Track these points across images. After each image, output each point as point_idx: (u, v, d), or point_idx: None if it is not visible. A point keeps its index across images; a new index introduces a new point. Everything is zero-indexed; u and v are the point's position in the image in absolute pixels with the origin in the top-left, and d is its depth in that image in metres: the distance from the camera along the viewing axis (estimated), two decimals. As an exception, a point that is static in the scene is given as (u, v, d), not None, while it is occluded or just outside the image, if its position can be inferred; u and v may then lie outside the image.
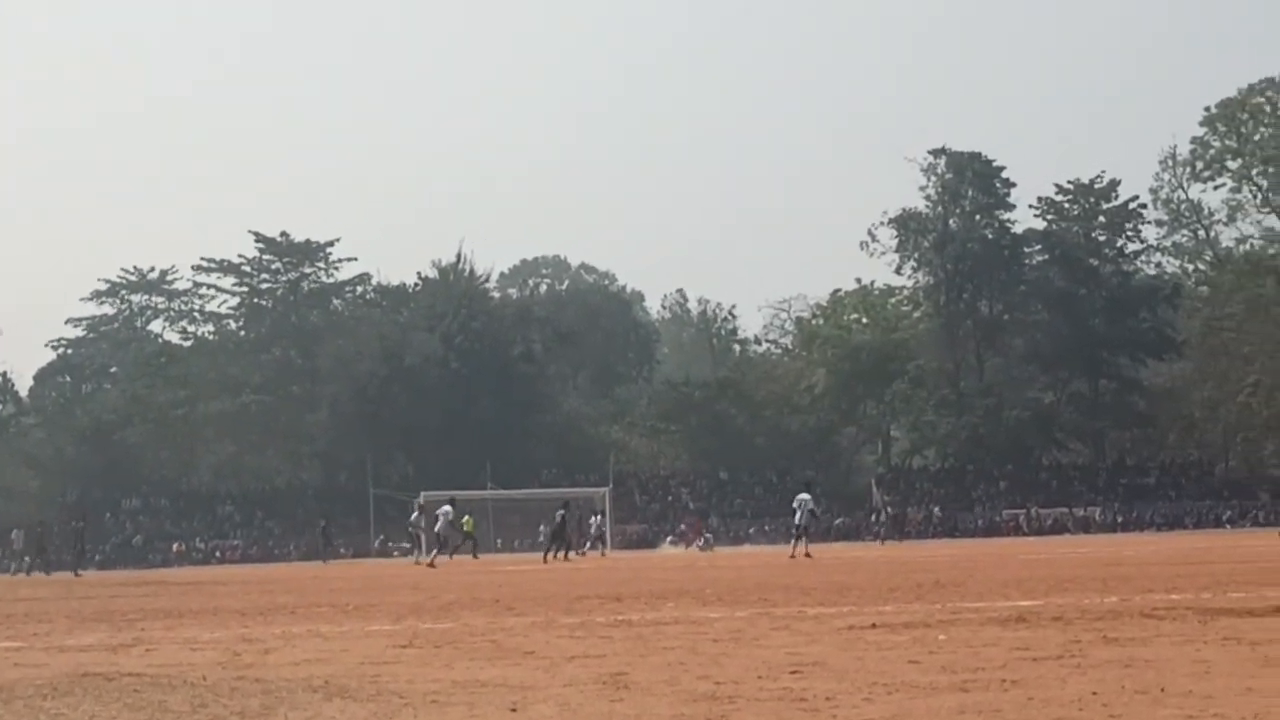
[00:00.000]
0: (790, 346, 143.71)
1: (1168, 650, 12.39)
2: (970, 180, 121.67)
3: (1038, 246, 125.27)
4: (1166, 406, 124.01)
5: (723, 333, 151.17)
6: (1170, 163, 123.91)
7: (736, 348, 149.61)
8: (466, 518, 67.74)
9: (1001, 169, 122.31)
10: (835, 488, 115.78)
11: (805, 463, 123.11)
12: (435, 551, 59.28)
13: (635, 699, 9.91)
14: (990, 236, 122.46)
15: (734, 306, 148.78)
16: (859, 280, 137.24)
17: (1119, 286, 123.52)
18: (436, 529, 59.67)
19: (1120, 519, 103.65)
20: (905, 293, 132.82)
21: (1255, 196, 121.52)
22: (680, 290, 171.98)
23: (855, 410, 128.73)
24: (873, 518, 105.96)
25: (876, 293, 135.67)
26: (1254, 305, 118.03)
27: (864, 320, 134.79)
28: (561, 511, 60.64)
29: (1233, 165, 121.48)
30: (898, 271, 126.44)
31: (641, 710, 9.35)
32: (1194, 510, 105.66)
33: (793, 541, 51.11)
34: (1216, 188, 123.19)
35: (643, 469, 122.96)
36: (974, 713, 8.95)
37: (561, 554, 59.17)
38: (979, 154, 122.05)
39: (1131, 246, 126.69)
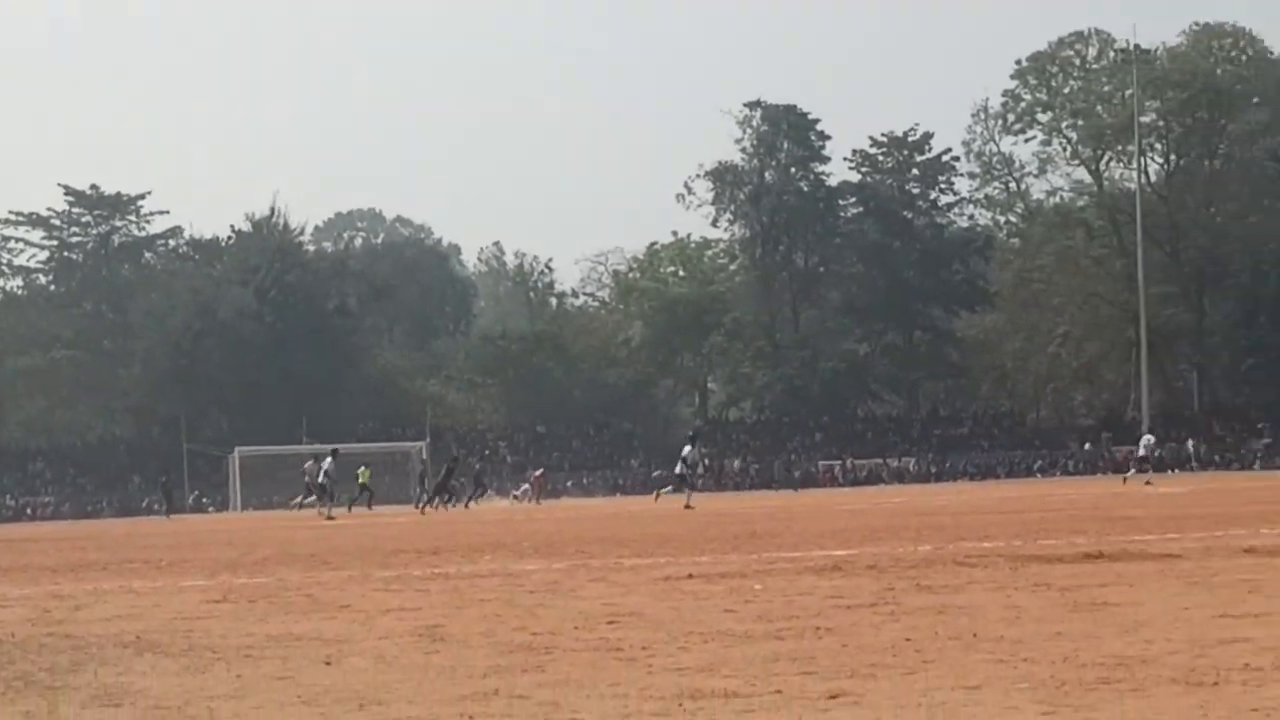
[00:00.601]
0: (607, 300, 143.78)
1: (980, 597, 12.53)
2: (785, 133, 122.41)
3: (852, 199, 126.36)
4: (979, 357, 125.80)
5: (539, 286, 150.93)
6: (982, 115, 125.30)
7: (554, 301, 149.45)
8: (362, 469, 67.18)
9: (816, 122, 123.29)
10: (653, 440, 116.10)
11: (623, 415, 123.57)
12: (322, 503, 58.68)
13: (451, 650, 9.84)
14: (806, 189, 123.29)
15: (550, 260, 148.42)
16: (675, 233, 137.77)
17: (932, 239, 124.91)
18: (319, 480, 59.19)
19: (934, 469, 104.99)
20: (721, 245, 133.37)
21: (1065, 149, 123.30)
22: (497, 243, 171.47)
23: (672, 363, 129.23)
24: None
25: (693, 246, 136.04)
26: (1064, 257, 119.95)
27: (681, 273, 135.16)
28: (449, 464, 60.72)
29: (1043, 118, 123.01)
30: (714, 224, 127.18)
31: (457, 661, 9.29)
32: (1006, 460, 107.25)
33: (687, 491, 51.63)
34: (1027, 140, 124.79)
35: (460, 423, 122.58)
36: (789, 660, 8.98)
37: (441, 504, 59.49)
38: (794, 107, 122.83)
39: (944, 199, 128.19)
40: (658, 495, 55.57)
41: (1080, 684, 7.88)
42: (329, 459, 59.48)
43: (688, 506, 47.90)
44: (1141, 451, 64.90)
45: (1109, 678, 8.05)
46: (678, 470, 54.14)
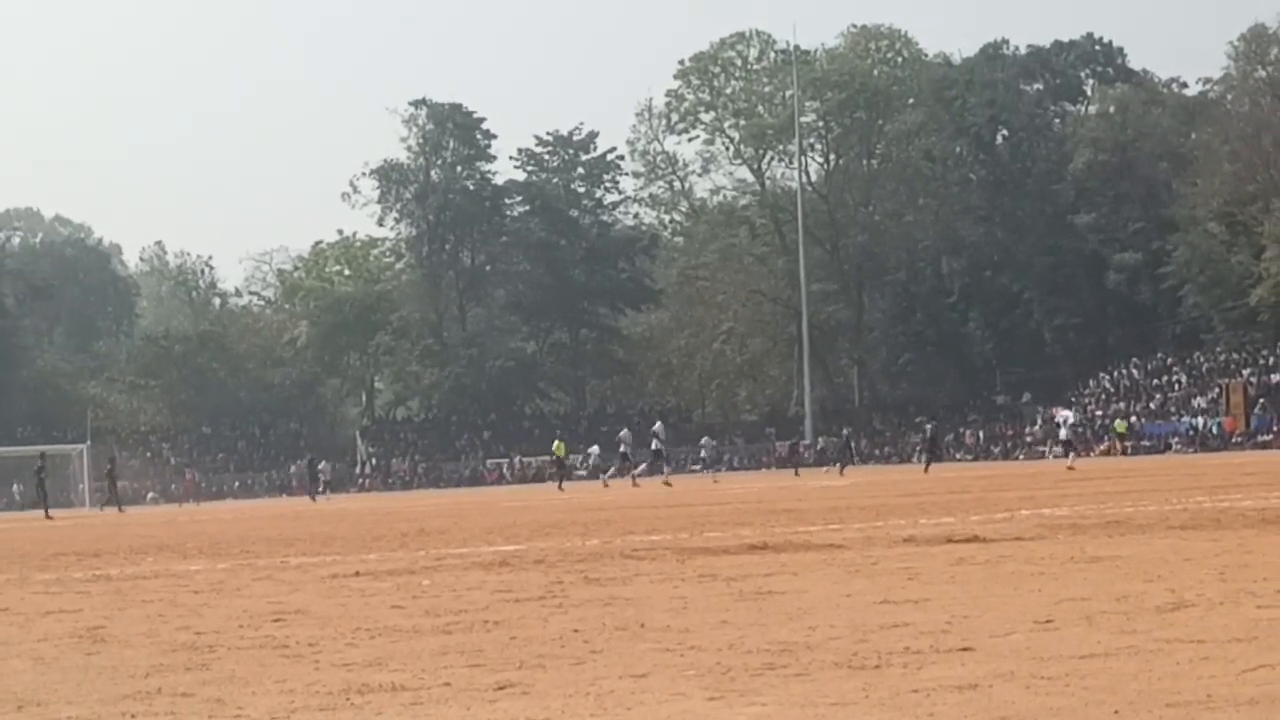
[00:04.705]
0: (273, 299, 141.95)
1: (647, 588, 12.62)
2: (451, 131, 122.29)
3: (519, 198, 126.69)
4: (645, 354, 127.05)
5: (202, 285, 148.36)
6: (646, 115, 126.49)
7: (217, 301, 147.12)
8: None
9: (482, 120, 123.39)
10: (320, 440, 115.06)
11: (290, 415, 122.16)
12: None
13: (113, 651, 9.62)
14: (472, 188, 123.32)
15: (211, 258, 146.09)
16: (341, 232, 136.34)
17: (598, 237, 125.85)
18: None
19: (605, 464, 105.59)
20: (388, 244, 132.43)
21: (728, 149, 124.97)
22: (159, 242, 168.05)
23: (339, 362, 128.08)
24: (356, 469, 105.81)
25: (359, 244, 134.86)
26: (728, 255, 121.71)
27: (346, 272, 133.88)
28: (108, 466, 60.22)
29: (706, 118, 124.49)
30: (380, 223, 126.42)
31: (119, 662, 9.08)
32: (673, 456, 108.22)
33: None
34: (691, 140, 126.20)
35: (122, 425, 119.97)
36: (457, 653, 8.94)
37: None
38: (460, 105, 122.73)
39: (610, 197, 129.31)
40: (634, 480, 56.95)
41: (746, 670, 7.97)
42: (39, 462, 58.96)
43: (666, 483, 50.35)
44: (1064, 434, 66.22)
45: (774, 663, 8.15)
46: (653, 446, 58.77)
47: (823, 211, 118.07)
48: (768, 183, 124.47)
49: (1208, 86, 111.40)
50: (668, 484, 54.75)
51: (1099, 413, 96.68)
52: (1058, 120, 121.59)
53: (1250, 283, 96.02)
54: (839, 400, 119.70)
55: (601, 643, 9.23)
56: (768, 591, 11.91)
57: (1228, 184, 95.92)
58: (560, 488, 62.40)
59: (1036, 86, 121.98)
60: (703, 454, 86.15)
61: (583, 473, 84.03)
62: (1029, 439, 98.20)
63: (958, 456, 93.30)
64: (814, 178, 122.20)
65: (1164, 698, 6.71)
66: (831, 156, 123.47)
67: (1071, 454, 62.48)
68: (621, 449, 61.49)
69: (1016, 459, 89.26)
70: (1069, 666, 7.66)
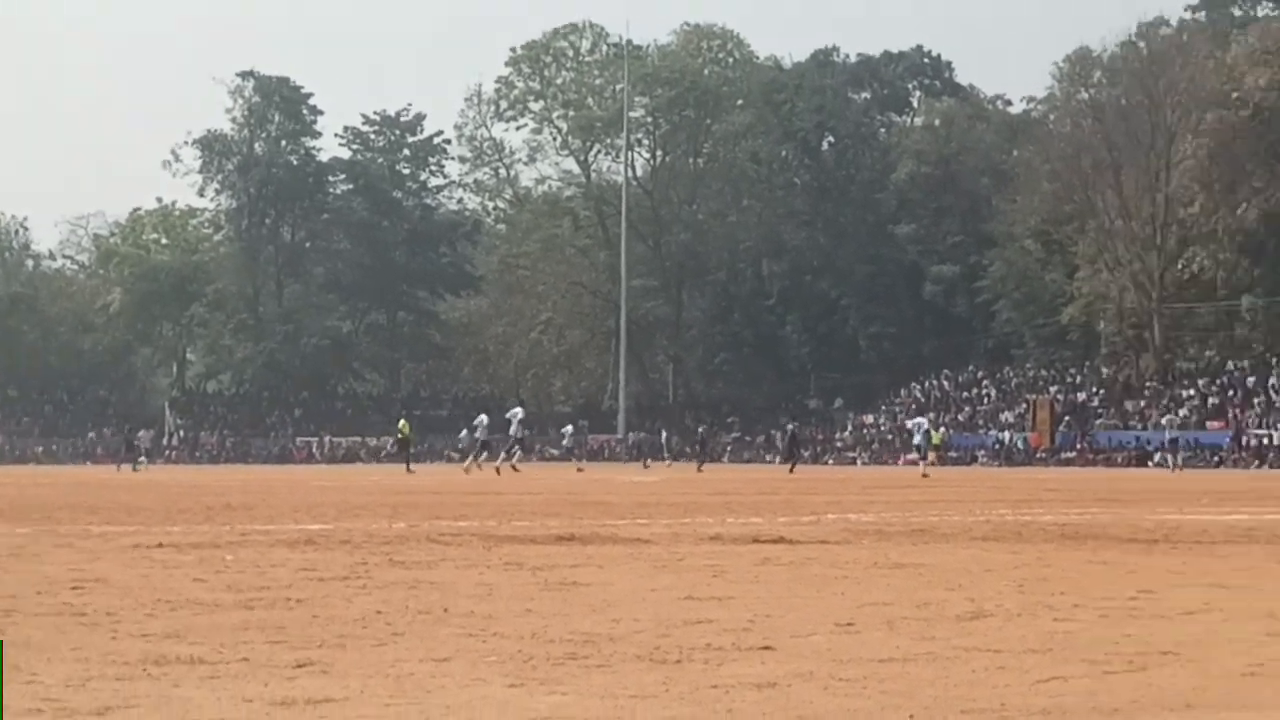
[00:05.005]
0: (87, 264, 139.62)
1: (453, 573, 12.60)
2: (277, 105, 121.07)
3: (342, 175, 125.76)
4: (462, 340, 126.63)
5: (15, 247, 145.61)
6: (475, 100, 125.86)
7: (30, 262, 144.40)
8: None
9: (309, 96, 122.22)
10: (129, 409, 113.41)
11: (99, 382, 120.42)
12: None
13: (-99, 616, 9.42)
14: (295, 163, 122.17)
15: (27, 219, 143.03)
16: (160, 200, 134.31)
17: (421, 220, 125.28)
18: None
19: (414, 449, 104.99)
20: (207, 215, 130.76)
21: (555, 139, 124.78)
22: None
23: (152, 331, 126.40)
24: (164, 440, 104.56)
25: (178, 214, 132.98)
26: (550, 245, 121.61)
27: (164, 241, 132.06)
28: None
29: (535, 106, 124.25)
30: (200, 193, 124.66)
31: (-93, 627, 8.90)
32: (490, 443, 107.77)
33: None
34: (519, 128, 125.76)
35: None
36: (258, 629, 8.87)
37: None
38: (287, 79, 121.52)
39: (435, 181, 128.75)
40: (498, 468, 56.29)
41: (548, 659, 7.98)
42: None
43: (514, 468, 53.31)
44: (918, 440, 66.33)
45: (576, 653, 8.17)
46: (511, 432, 58.64)
47: (647, 207, 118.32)
48: (593, 175, 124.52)
49: (1031, 105, 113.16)
50: (515, 469, 54.94)
51: (909, 422, 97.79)
52: (883, 130, 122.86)
53: (1062, 301, 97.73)
54: (654, 396, 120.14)
55: (404, 625, 9.21)
56: (573, 582, 11.93)
57: (1046, 203, 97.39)
58: (409, 469, 62.21)
59: (864, 95, 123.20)
60: (565, 442, 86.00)
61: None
62: (839, 444, 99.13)
63: (768, 459, 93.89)
64: (640, 173, 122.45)
65: (959, 704, 6.81)
66: (658, 153, 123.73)
67: (923, 462, 63.08)
68: (478, 435, 61.20)
69: (826, 464, 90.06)
70: (868, 670, 7.74)
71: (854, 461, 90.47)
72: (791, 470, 62.92)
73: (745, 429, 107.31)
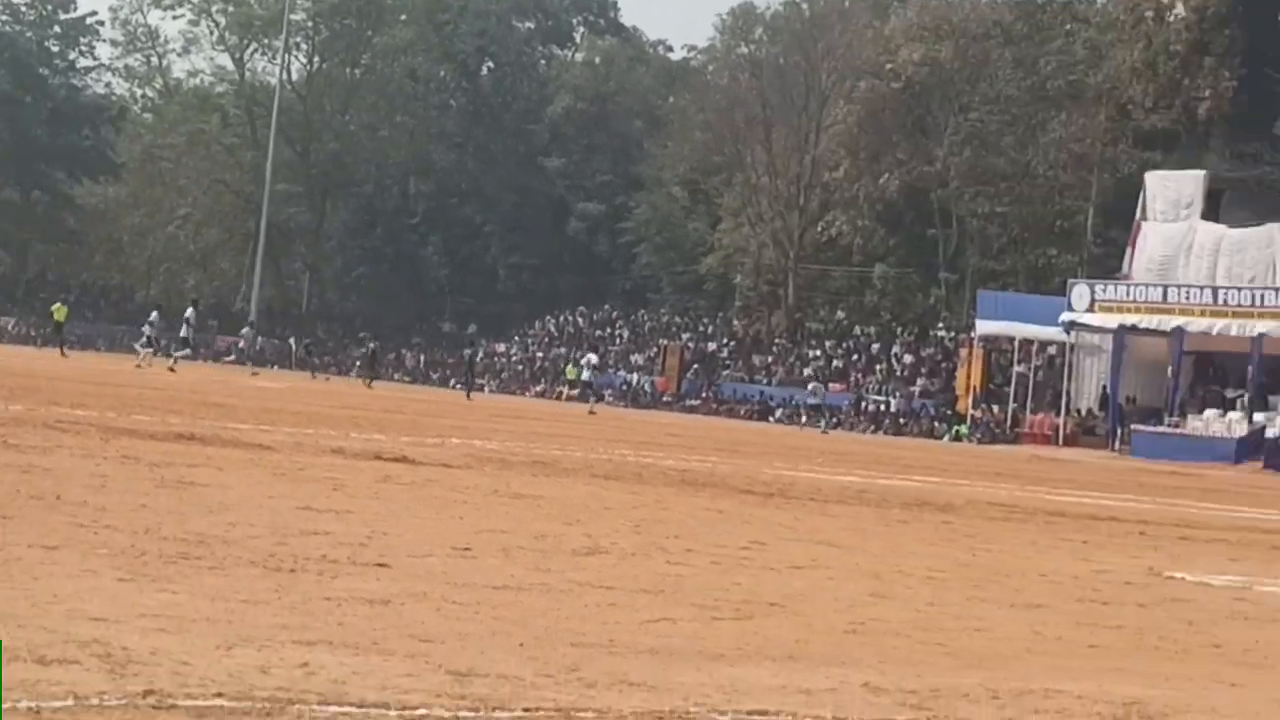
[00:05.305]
0: None
1: (67, 461, 12.36)
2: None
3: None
4: (97, 227, 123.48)
5: None
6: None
7: None
8: None
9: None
10: None
11: None
12: None
13: None
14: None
15: None
16: None
17: (66, 100, 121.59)
18: None
19: (34, 333, 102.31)
20: None
21: (212, 33, 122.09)
22: None
23: None
24: None
25: None
26: (196, 140, 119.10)
27: None
28: None
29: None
30: None
31: None
32: (108, 332, 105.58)
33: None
34: (176, 17, 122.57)
35: None
36: None
37: None
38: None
39: (84, 62, 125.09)
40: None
41: (160, 556, 7.90)
42: None
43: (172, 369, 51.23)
44: (586, 376, 65.70)
45: (190, 553, 8.10)
46: (182, 333, 57.98)
47: (299, 113, 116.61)
48: (248, 75, 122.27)
49: (692, 54, 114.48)
50: (173, 370, 53.46)
51: (540, 354, 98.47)
52: (544, 62, 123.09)
53: (703, 251, 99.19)
54: (287, 303, 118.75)
55: (14, 510, 9.01)
56: (190, 482, 11.80)
57: (696, 152, 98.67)
58: (62, 353, 60.58)
59: (528, 25, 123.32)
60: (240, 344, 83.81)
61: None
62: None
63: (396, 377, 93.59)
64: (295, 77, 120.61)
65: (569, 637, 6.92)
66: (316, 59, 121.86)
67: (592, 398, 63.41)
68: (146, 331, 59.67)
69: (453, 387, 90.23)
70: (481, 595, 7.82)
71: (482, 389, 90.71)
72: (369, 386, 63.71)
73: (379, 344, 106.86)
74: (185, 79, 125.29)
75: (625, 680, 6.00)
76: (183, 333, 59.44)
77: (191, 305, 65.21)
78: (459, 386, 78.34)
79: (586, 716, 5.34)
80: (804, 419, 71.37)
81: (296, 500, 11.31)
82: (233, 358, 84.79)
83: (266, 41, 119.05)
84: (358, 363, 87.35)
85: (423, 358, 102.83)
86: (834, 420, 70.56)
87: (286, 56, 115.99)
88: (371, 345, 77.04)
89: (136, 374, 44.19)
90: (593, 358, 69.35)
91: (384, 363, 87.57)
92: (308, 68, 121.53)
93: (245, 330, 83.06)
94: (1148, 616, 9.64)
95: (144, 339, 59.39)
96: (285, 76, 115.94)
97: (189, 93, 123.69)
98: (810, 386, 74.20)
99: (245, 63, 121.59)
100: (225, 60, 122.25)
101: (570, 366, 79.38)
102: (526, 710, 5.34)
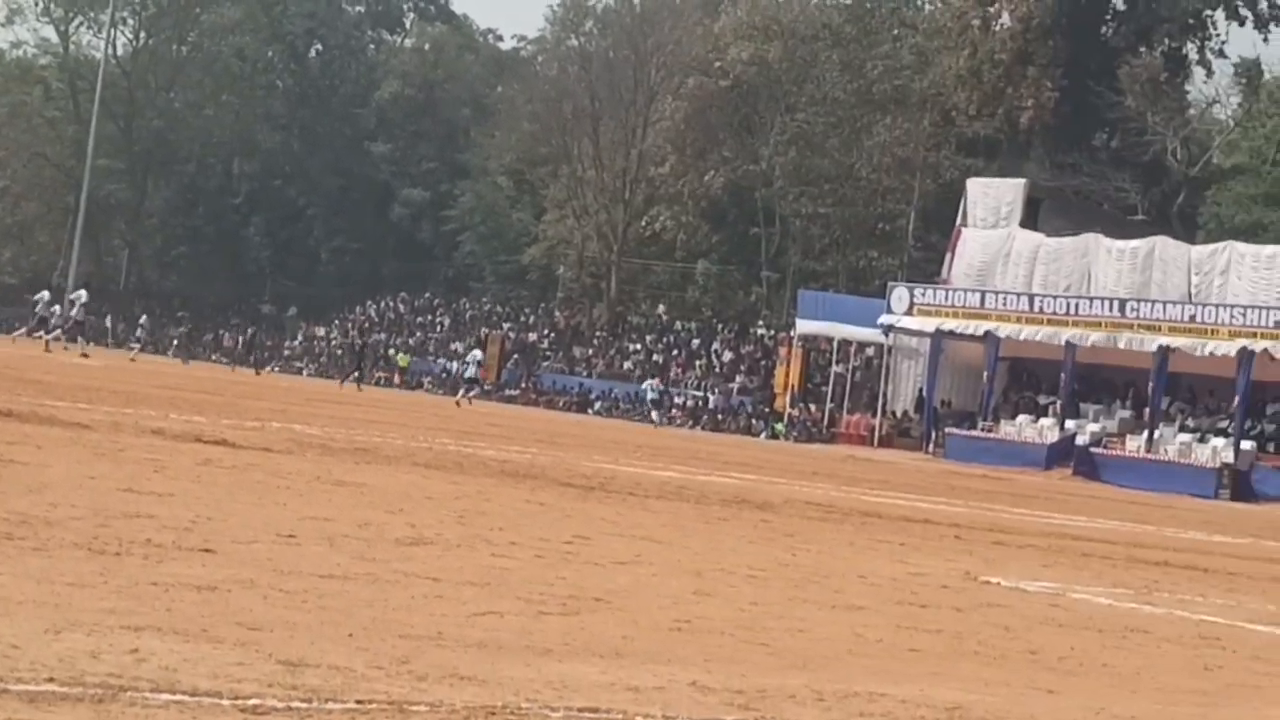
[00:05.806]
0: None
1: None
2: None
3: None
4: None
5: None
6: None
7: None
8: None
9: None
10: None
11: None
12: None
13: None
14: None
15: None
16: None
17: None
18: None
19: None
20: None
21: (37, 4, 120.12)
22: None
23: None
24: None
25: None
26: (16, 112, 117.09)
27: None
28: None
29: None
30: None
31: None
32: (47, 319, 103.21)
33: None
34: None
35: None
36: None
37: None
38: None
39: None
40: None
41: (-18, 537, 7.80)
42: None
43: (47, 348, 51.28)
44: (471, 372, 64.82)
45: (12, 534, 8.01)
46: (73, 313, 57.85)
47: (123, 88, 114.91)
48: (72, 48, 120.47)
49: (522, 44, 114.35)
50: (48, 349, 52.47)
51: (359, 341, 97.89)
52: (373, 46, 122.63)
53: (526, 241, 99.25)
54: (105, 280, 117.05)
55: None
56: (9, 460, 11.66)
57: (523, 142, 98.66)
58: None
59: (359, 9, 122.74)
60: (139, 332, 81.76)
61: None
62: (287, 352, 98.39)
63: (214, 358, 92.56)
64: (120, 52, 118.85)
65: (397, 628, 6.94)
66: (142, 34, 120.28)
67: (468, 390, 63.10)
68: (38, 310, 58.51)
69: (273, 371, 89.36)
70: (309, 584, 7.81)
71: (300, 372, 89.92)
72: (258, 373, 63.56)
73: (195, 325, 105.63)
74: (8, 50, 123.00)
75: (456, 674, 6.04)
76: (73, 313, 58.50)
77: (84, 288, 64.30)
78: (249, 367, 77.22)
79: (420, 710, 5.37)
80: (649, 412, 71.61)
81: (118, 481, 11.21)
82: (137, 346, 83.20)
83: (92, 15, 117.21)
84: (174, 341, 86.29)
85: (240, 340, 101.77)
86: (668, 416, 71.00)
87: (112, 31, 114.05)
88: (251, 330, 76.37)
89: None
90: (478, 354, 69.14)
91: (263, 346, 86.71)
92: (133, 43, 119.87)
93: (145, 318, 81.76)
94: (965, 621, 9.82)
95: (50, 324, 58.33)
96: (110, 51, 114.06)
97: (11, 64, 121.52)
98: (646, 384, 74.77)
99: (70, 35, 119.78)
100: (50, 32, 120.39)
101: (401, 355, 79.28)
102: (360, 703, 5.35)
